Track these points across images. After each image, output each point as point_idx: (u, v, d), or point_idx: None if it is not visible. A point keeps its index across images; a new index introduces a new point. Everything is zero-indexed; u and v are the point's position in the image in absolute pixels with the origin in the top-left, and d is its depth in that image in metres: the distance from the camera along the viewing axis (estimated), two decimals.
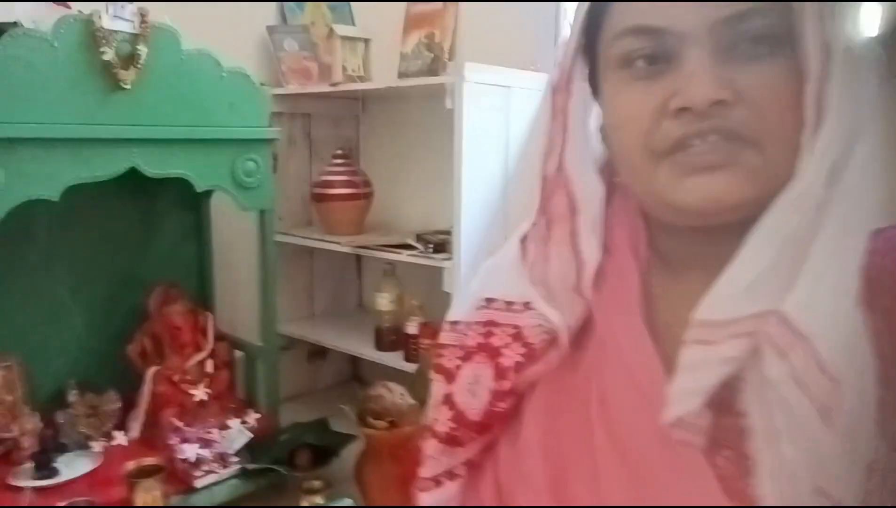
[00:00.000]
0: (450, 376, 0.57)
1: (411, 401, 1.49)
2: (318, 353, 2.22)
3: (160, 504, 1.37)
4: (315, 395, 2.19)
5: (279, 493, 1.55)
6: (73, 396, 1.58)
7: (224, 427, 1.57)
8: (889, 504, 0.41)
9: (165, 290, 1.73)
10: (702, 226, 0.48)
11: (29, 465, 1.42)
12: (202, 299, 1.85)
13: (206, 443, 1.51)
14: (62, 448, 1.51)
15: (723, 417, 0.46)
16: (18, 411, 1.50)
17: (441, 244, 1.62)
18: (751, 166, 0.44)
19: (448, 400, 0.56)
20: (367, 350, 1.84)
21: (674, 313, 0.51)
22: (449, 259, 1.56)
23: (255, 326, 1.78)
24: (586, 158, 0.54)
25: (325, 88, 1.90)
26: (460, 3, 1.83)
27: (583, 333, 0.53)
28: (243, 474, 1.52)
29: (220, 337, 1.75)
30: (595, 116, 0.54)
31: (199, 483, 1.45)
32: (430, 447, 0.58)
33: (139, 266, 1.76)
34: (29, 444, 1.46)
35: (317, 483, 1.47)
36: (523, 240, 0.57)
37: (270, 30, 1.99)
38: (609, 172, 0.55)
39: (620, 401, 0.49)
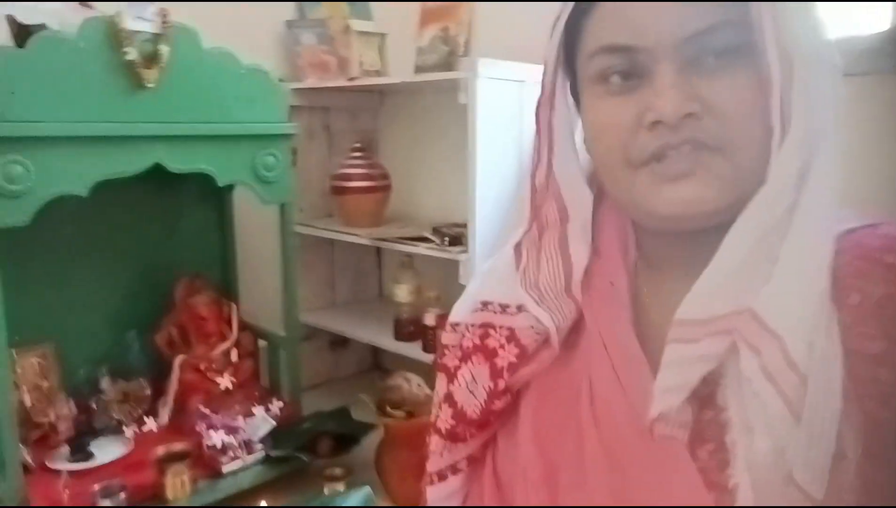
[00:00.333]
0: (450, 375, 0.60)
1: (428, 391, 1.52)
2: (340, 342, 2.26)
3: (188, 488, 1.43)
4: (336, 384, 2.24)
5: (301, 479, 1.60)
6: (105, 383, 1.65)
7: (248, 415, 1.62)
8: (858, 491, 0.43)
9: (190, 281, 1.78)
10: (682, 230, 0.50)
11: (65, 449, 1.49)
12: (226, 289, 1.90)
13: (231, 430, 1.56)
14: (96, 433, 1.57)
15: (705, 411, 0.48)
16: (54, 396, 1.57)
17: (457, 237, 1.64)
18: (721, 174, 0.47)
19: (449, 399, 0.59)
20: (386, 340, 1.87)
21: (661, 313, 0.54)
22: (464, 252, 1.59)
23: (278, 316, 1.83)
24: (574, 168, 0.56)
25: (343, 83, 1.92)
26: None
27: (574, 333, 0.56)
28: (267, 460, 1.57)
29: (243, 327, 1.80)
30: (580, 127, 0.56)
31: (225, 469, 1.51)
32: (434, 443, 0.61)
33: (165, 258, 1.82)
34: (64, 428, 1.53)
35: (338, 470, 1.51)
36: (517, 246, 0.60)
37: (289, 24, 2.02)
38: (597, 178, 0.58)
39: (607, 398, 0.51)
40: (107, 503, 1.31)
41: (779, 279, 0.45)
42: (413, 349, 1.79)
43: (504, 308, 0.59)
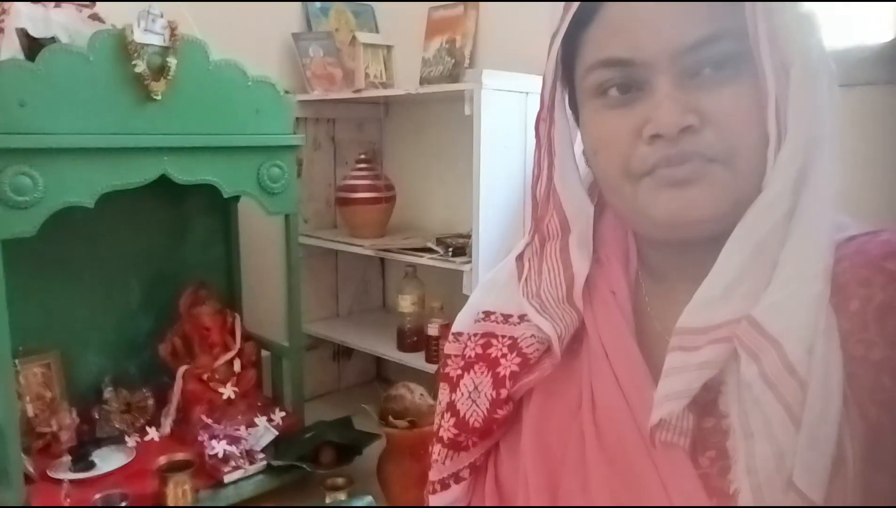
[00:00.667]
0: (452, 384, 0.60)
1: (431, 401, 1.52)
2: (344, 353, 2.27)
3: (190, 497, 1.43)
4: (339, 394, 2.24)
5: (303, 489, 1.60)
6: (108, 392, 1.65)
7: (251, 425, 1.63)
8: (858, 496, 0.43)
9: (195, 291, 1.79)
10: (682, 239, 0.50)
11: (66, 458, 1.49)
12: (230, 299, 1.91)
13: (233, 440, 1.57)
14: (98, 443, 1.58)
15: (706, 418, 0.48)
16: (57, 406, 1.58)
17: (461, 248, 1.65)
18: (720, 181, 0.47)
19: (451, 408, 0.59)
20: (389, 351, 1.87)
21: (662, 322, 0.54)
22: (468, 263, 1.59)
23: (282, 326, 1.84)
24: (574, 180, 0.57)
25: (349, 95, 1.94)
26: (481, 3, 1.85)
27: (575, 341, 0.56)
28: (269, 470, 1.57)
29: (247, 337, 1.81)
30: (579, 140, 0.57)
31: (227, 479, 1.51)
32: (436, 452, 0.61)
33: (170, 268, 1.83)
34: (66, 438, 1.54)
35: (340, 480, 1.51)
36: (519, 258, 0.60)
37: (296, 37, 2.04)
38: (598, 190, 0.58)
39: (609, 406, 0.52)
40: None
41: (777, 285, 0.46)
42: (416, 360, 1.79)
43: (506, 318, 0.59)
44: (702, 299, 0.48)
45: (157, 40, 1.42)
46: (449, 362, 0.63)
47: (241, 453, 1.55)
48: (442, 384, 0.63)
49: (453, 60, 1.89)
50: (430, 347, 1.76)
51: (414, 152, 2.16)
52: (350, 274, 2.27)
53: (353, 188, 1.94)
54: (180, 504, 1.42)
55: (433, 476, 0.62)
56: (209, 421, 1.60)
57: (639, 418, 0.49)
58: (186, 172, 1.49)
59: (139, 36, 1.38)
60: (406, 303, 1.84)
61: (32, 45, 1.37)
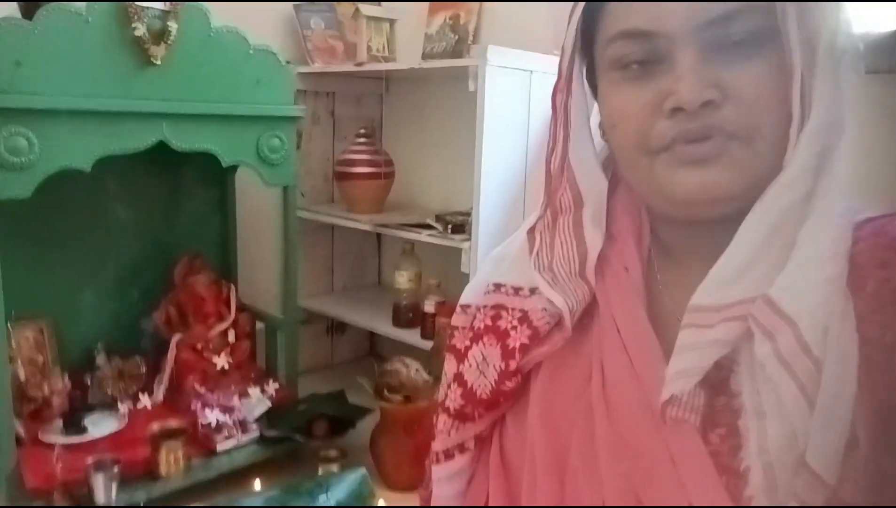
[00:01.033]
0: (460, 355, 0.60)
1: (426, 377, 1.53)
2: (337, 327, 2.27)
3: (182, 465, 1.43)
4: (333, 368, 2.25)
5: (296, 460, 1.60)
6: (101, 359, 1.65)
7: (244, 395, 1.63)
8: (870, 478, 0.43)
9: (190, 260, 1.78)
10: (698, 217, 0.50)
11: (58, 423, 1.49)
12: (225, 270, 1.90)
13: (226, 409, 1.57)
14: (90, 408, 1.57)
15: (718, 397, 0.48)
16: (49, 371, 1.57)
17: (460, 225, 1.65)
18: (740, 159, 0.47)
19: (458, 378, 0.59)
20: (384, 326, 1.88)
21: (674, 300, 0.54)
22: (467, 240, 1.59)
23: (277, 299, 1.83)
24: (589, 153, 0.56)
25: (350, 68, 1.91)
26: None
27: (586, 316, 0.56)
28: (262, 440, 1.58)
29: (241, 308, 1.80)
30: (595, 112, 0.56)
31: (219, 448, 1.51)
32: (442, 422, 0.61)
33: (166, 236, 1.82)
34: (58, 403, 1.53)
35: (333, 452, 1.52)
36: (531, 231, 0.60)
37: (297, 7, 2.00)
38: (613, 164, 0.58)
39: (619, 381, 0.52)
40: (100, 476, 1.31)
41: (794, 265, 0.45)
42: (411, 336, 1.79)
43: (517, 290, 0.59)
44: (717, 277, 0.48)
45: (157, 4, 1.39)
46: (456, 333, 0.62)
47: (233, 422, 1.55)
48: (448, 356, 0.62)
49: (456, 37, 1.87)
50: (427, 324, 1.76)
51: (414, 129, 2.15)
52: (346, 249, 2.26)
53: (352, 162, 1.93)
54: (172, 471, 1.42)
55: (437, 445, 0.62)
56: (202, 390, 1.60)
57: (649, 394, 0.49)
58: (185, 139, 1.47)
59: None
60: (403, 279, 1.83)
61: (30, 5, 1.34)
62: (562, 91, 0.55)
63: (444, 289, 1.77)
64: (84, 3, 1.31)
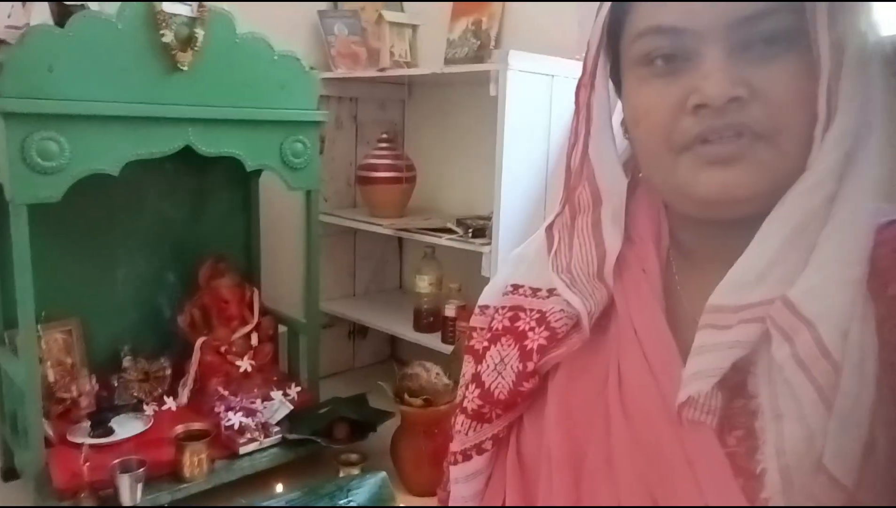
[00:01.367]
0: (478, 357, 0.60)
1: (446, 381, 1.53)
2: (359, 331, 2.28)
3: (205, 467, 1.44)
4: (354, 372, 2.26)
5: (317, 463, 1.61)
6: (127, 361, 1.67)
7: (267, 398, 1.64)
8: (889, 482, 0.42)
9: (214, 264, 1.80)
10: (720, 219, 0.49)
11: (86, 423, 1.52)
12: (248, 273, 1.92)
13: (249, 412, 1.58)
14: (116, 410, 1.60)
15: (736, 399, 0.48)
16: (77, 373, 1.60)
17: (481, 229, 1.65)
18: (764, 160, 0.46)
19: (476, 379, 0.59)
20: (405, 331, 1.88)
21: (692, 301, 0.53)
22: (488, 244, 1.59)
23: (299, 302, 1.85)
24: (609, 152, 0.56)
25: (373, 73, 1.93)
26: None
27: (604, 317, 0.56)
28: (284, 443, 1.59)
29: (264, 312, 1.82)
30: (618, 110, 0.56)
31: (242, 450, 1.53)
32: (460, 423, 0.61)
33: (190, 239, 1.84)
34: (86, 404, 1.56)
35: (353, 456, 1.53)
36: (549, 229, 0.59)
37: (321, 14, 2.03)
38: (633, 165, 0.57)
39: (636, 383, 0.51)
40: (126, 478, 1.33)
41: (815, 267, 0.45)
42: (432, 340, 1.79)
43: (535, 292, 0.58)
44: (736, 278, 0.47)
45: (185, 11, 1.42)
46: (474, 335, 0.62)
47: (256, 425, 1.56)
48: (466, 357, 0.62)
49: (478, 42, 1.87)
50: (447, 328, 1.76)
51: (436, 134, 2.15)
52: (368, 254, 2.27)
53: (374, 167, 1.94)
54: (196, 473, 1.44)
55: (455, 446, 0.61)
56: (225, 393, 1.62)
57: (667, 395, 0.49)
58: (210, 143, 1.50)
59: (168, 6, 1.38)
60: (424, 283, 1.84)
61: (62, 12, 1.38)
62: (585, 87, 0.55)
63: (465, 293, 1.77)
64: (115, 10, 1.34)
